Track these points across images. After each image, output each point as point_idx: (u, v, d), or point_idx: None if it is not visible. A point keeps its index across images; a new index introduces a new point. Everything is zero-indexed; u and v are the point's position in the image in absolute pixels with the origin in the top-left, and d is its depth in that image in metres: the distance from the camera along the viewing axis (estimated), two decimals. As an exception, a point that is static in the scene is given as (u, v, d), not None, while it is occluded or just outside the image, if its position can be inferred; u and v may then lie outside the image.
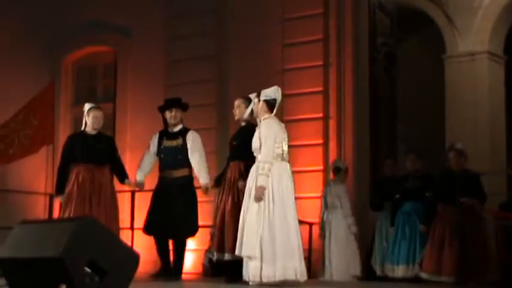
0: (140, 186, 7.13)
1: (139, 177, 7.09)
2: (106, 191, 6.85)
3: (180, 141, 6.96)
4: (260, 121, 5.93)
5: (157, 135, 7.11)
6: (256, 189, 5.64)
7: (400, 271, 7.88)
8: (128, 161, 9.82)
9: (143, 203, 8.88)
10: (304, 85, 9.35)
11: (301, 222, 8.93)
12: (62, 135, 10.54)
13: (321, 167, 9.21)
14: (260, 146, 5.74)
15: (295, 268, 5.61)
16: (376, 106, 9.79)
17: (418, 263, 7.69)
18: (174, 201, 6.80)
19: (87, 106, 7.05)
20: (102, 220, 6.44)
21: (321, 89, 9.29)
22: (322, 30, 9.31)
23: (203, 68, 10.04)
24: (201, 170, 6.87)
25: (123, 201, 9.91)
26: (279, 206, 5.65)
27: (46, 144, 9.96)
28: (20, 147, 9.85)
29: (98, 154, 6.88)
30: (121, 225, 9.54)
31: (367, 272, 8.63)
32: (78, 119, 11.23)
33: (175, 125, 7.02)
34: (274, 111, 5.96)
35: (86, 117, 6.97)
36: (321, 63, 9.32)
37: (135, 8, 10.73)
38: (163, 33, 10.48)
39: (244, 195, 5.84)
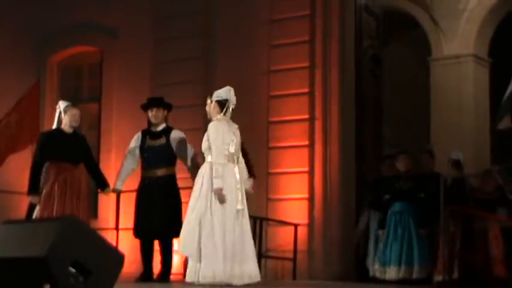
0: (117, 193, 7.16)
1: (118, 185, 7.06)
2: (84, 190, 6.81)
3: (163, 140, 6.97)
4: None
5: (139, 135, 7.09)
6: (214, 193, 5.68)
7: (391, 272, 7.82)
8: (113, 161, 9.83)
9: (128, 203, 8.86)
10: (290, 86, 9.36)
11: (286, 223, 9.02)
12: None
13: (306, 169, 9.22)
14: (208, 147, 5.79)
15: (233, 271, 5.57)
16: (361, 108, 9.81)
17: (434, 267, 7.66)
18: (158, 202, 6.79)
19: (62, 104, 6.93)
20: (82, 218, 6.43)
21: (306, 90, 9.31)
22: (308, 32, 9.32)
23: (190, 69, 10.04)
24: (191, 167, 6.90)
25: (108, 201, 9.89)
26: (219, 208, 5.65)
27: (30, 144, 9.90)
28: (5, 147, 9.80)
29: (76, 153, 6.83)
30: (106, 225, 9.55)
31: (362, 273, 8.59)
32: (63, 118, 11.20)
33: (157, 124, 7.02)
34: (226, 112, 5.92)
35: (62, 115, 6.85)
36: (307, 64, 9.33)
37: (122, 8, 10.71)
38: (150, 34, 10.46)
39: (191, 196, 5.85)
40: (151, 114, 7.00)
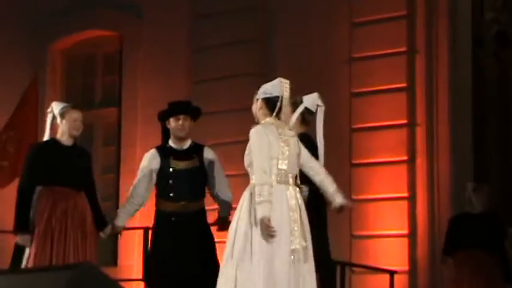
0: (119, 233, 7.10)
1: (119, 221, 7.01)
2: (90, 225, 6.84)
3: (195, 161, 6.96)
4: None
5: (156, 155, 7.07)
6: (259, 223, 5.53)
7: None
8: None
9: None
10: (380, 80, 9.33)
11: (377, 269, 9.00)
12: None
13: (405, 194, 9.17)
14: (251, 163, 5.73)
15: None
16: (482, 106, 9.74)
17: None
18: (192, 247, 6.80)
19: (57, 106, 6.91)
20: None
21: (404, 85, 9.29)
22: (405, 4, 9.30)
23: (241, 58, 10.07)
24: (226, 204, 7.01)
25: (132, 241, 10.04)
26: (263, 248, 5.53)
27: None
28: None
29: (80, 174, 6.84)
30: (130, 275, 9.70)
31: None
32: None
33: (183, 139, 7.05)
34: (279, 113, 5.83)
35: (58, 120, 6.84)
36: (404, 49, 9.32)
37: (147, -23, 10.91)
38: (186, 10, 10.57)
39: (228, 233, 5.83)
40: (176, 124, 6.94)
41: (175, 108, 7.04)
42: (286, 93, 5.81)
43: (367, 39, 9.46)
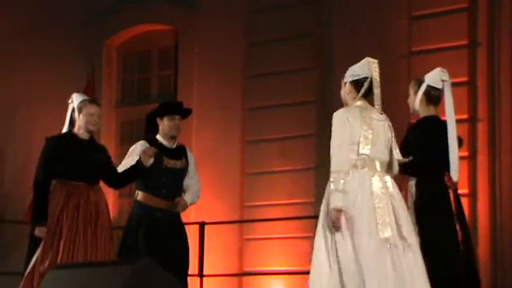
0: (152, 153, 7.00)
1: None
2: (104, 220, 6.88)
3: (184, 162, 7.20)
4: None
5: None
6: (329, 213, 5.48)
7: None
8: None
9: (214, 238, 8.96)
10: (440, 74, 9.25)
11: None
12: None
13: (465, 190, 9.05)
14: None
15: None
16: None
17: None
18: (184, 250, 7.09)
19: (76, 98, 6.98)
20: (101, 259, 6.61)
21: (465, 79, 9.18)
22: (466, -5, 9.24)
23: (297, 52, 10.06)
24: (195, 194, 7.26)
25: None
26: (345, 239, 5.46)
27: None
28: None
29: (96, 168, 6.91)
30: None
31: None
32: (126, 123, 11.45)
33: (173, 138, 7.20)
34: (368, 95, 5.77)
35: (76, 114, 6.90)
36: (465, 42, 9.23)
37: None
38: (242, 4, 10.57)
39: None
40: (171, 123, 7.14)
41: (172, 108, 7.28)
42: (375, 74, 5.76)
43: (426, 33, 9.38)
